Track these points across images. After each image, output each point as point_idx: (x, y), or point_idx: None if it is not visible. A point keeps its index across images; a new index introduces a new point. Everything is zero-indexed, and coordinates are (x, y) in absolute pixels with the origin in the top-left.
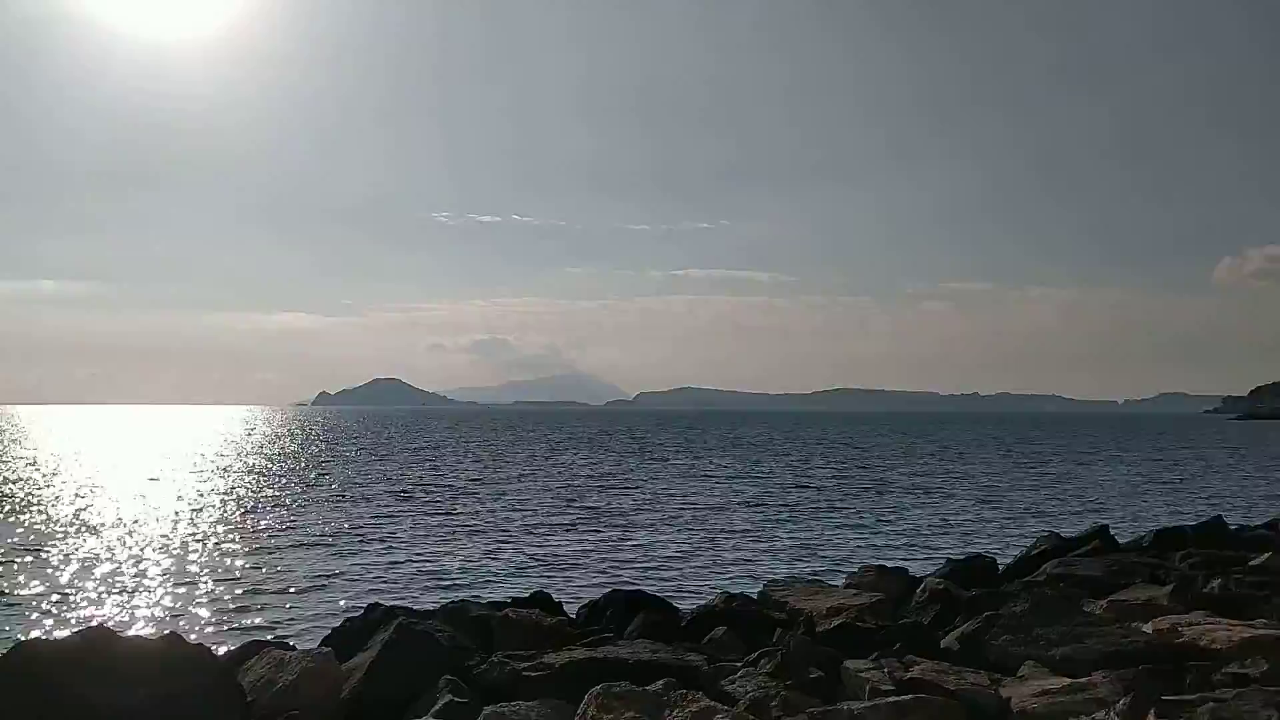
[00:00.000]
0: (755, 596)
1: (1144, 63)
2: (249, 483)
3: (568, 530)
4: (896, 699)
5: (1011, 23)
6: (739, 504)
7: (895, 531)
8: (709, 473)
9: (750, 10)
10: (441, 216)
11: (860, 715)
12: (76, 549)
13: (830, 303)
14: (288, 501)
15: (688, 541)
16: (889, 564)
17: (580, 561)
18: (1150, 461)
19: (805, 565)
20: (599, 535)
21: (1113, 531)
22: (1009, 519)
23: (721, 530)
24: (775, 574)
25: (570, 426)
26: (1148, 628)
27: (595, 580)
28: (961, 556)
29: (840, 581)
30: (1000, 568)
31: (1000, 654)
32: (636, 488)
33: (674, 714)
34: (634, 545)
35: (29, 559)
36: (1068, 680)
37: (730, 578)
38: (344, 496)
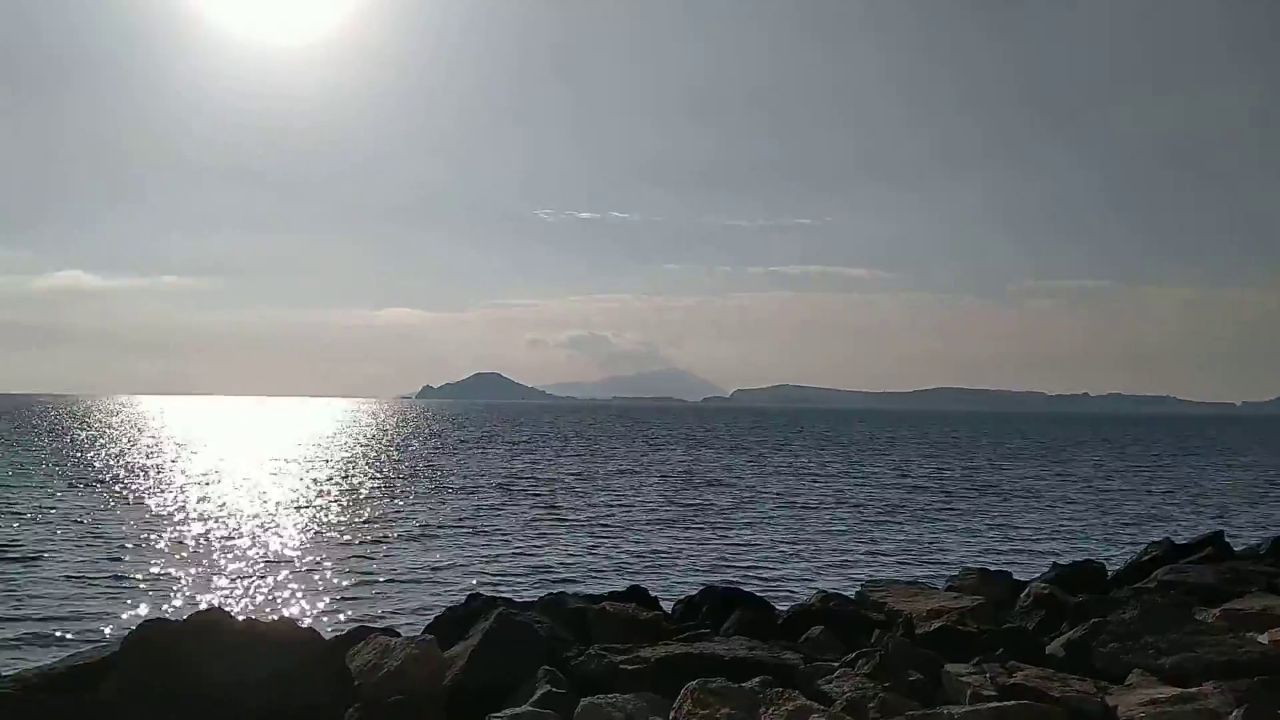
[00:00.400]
0: (853, 597)
1: (1276, 49)
2: (357, 474)
3: (666, 526)
4: (998, 704)
5: (1130, 9)
6: (839, 504)
7: (1000, 535)
8: (808, 471)
9: (854, 3)
10: (543, 214)
11: (960, 719)
12: (196, 534)
13: (933, 300)
14: (394, 493)
15: (786, 540)
16: (992, 567)
17: (678, 557)
18: (1269, 466)
19: (905, 567)
20: (697, 532)
21: (1228, 538)
22: (1120, 524)
23: (820, 529)
24: (874, 575)
25: (668, 422)
26: (1263, 638)
27: (692, 576)
28: (1069, 561)
29: (941, 584)
30: (1110, 574)
31: (1107, 662)
32: (735, 485)
33: (769, 712)
34: (732, 542)
35: (153, 543)
36: (1177, 690)
37: (828, 577)
38: (447, 489)
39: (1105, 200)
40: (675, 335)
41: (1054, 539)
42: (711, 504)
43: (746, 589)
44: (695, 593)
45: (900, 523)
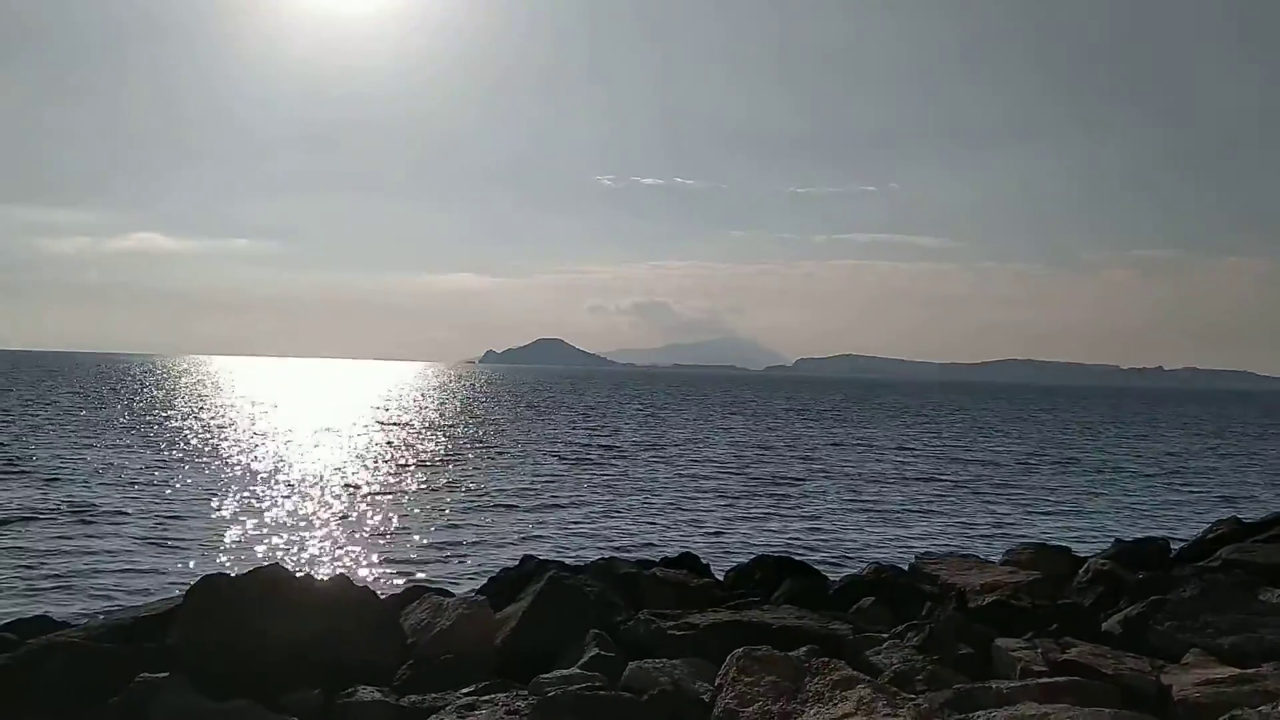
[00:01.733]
0: (906, 569)
1: None
2: (421, 437)
3: (724, 495)
4: (1049, 680)
5: None
6: (900, 476)
7: (1064, 510)
8: (872, 443)
9: None
10: (606, 180)
11: (1009, 694)
12: (260, 493)
13: (1002, 270)
14: (455, 458)
15: (843, 511)
16: (1051, 542)
17: (733, 526)
18: None
19: (962, 540)
20: (755, 501)
21: None
22: (1187, 501)
23: (879, 501)
24: (930, 548)
25: (730, 391)
26: None
27: (746, 545)
28: (1132, 538)
29: (997, 558)
30: (1174, 551)
31: (1164, 640)
32: (796, 455)
33: (815, 681)
34: (789, 513)
35: (218, 501)
36: (1235, 670)
37: (882, 549)
38: (508, 454)
39: (1183, 168)
40: (738, 303)
41: (1119, 515)
42: (771, 474)
43: (799, 559)
44: (747, 561)
45: (962, 496)
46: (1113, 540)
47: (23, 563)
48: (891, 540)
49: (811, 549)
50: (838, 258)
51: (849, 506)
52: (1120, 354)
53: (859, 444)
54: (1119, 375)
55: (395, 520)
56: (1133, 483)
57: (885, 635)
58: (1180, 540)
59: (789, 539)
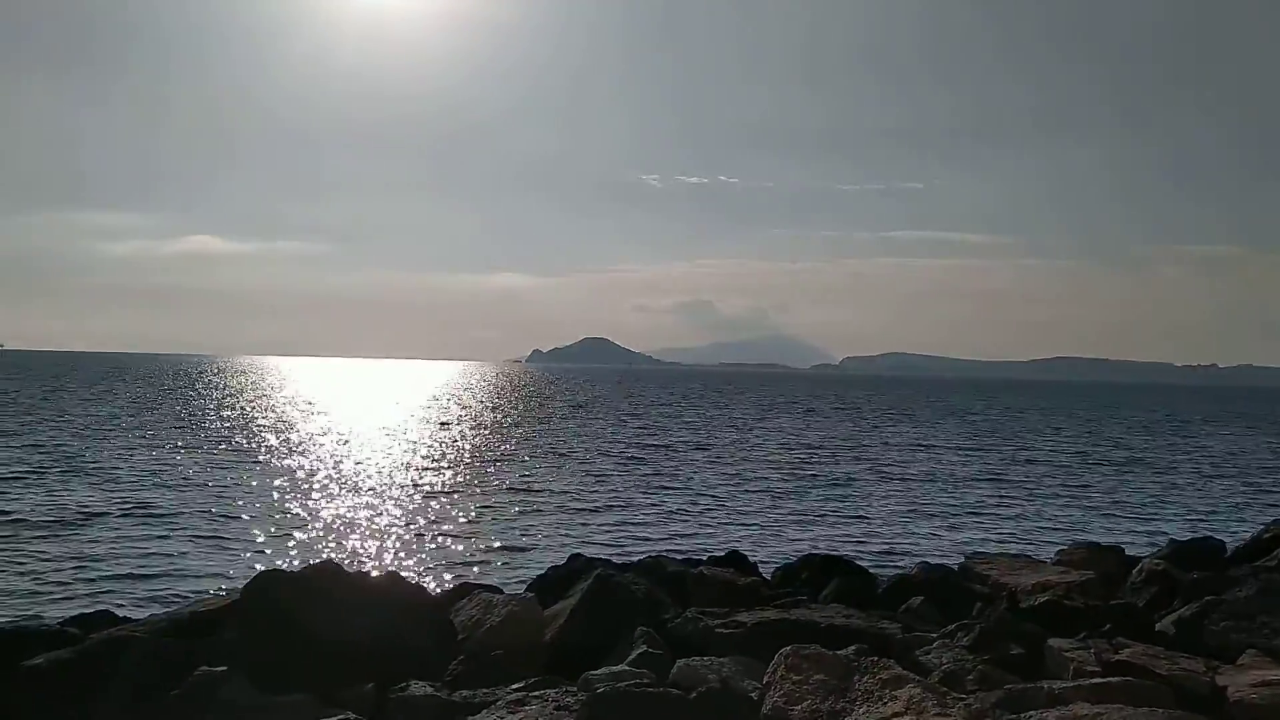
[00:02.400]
0: (956, 568)
1: None
2: (470, 437)
3: (772, 494)
4: (1101, 680)
5: None
6: (949, 475)
7: (1117, 509)
8: (920, 442)
9: None
10: (650, 179)
11: (1060, 694)
12: (314, 492)
13: (1051, 266)
14: (505, 458)
15: (891, 509)
16: (1104, 542)
17: (781, 525)
18: None
19: (1013, 540)
20: (803, 500)
21: None
22: (1244, 500)
23: (927, 500)
24: (981, 547)
25: (776, 390)
26: None
27: (794, 544)
28: (1187, 538)
29: (1049, 558)
30: (1229, 551)
31: (1220, 640)
32: (844, 454)
33: (863, 680)
34: (835, 511)
35: (274, 500)
36: None
37: (932, 548)
38: (556, 453)
39: (1235, 160)
40: (783, 301)
41: (1173, 515)
42: (820, 473)
43: (847, 557)
44: (794, 559)
45: (1013, 495)
46: (1167, 539)
47: (85, 561)
48: (942, 539)
49: (860, 548)
50: (882, 255)
51: (898, 505)
52: (1174, 351)
53: (908, 443)
54: (1173, 372)
55: (445, 519)
56: (1187, 481)
57: (935, 635)
58: (1236, 540)
59: (837, 537)
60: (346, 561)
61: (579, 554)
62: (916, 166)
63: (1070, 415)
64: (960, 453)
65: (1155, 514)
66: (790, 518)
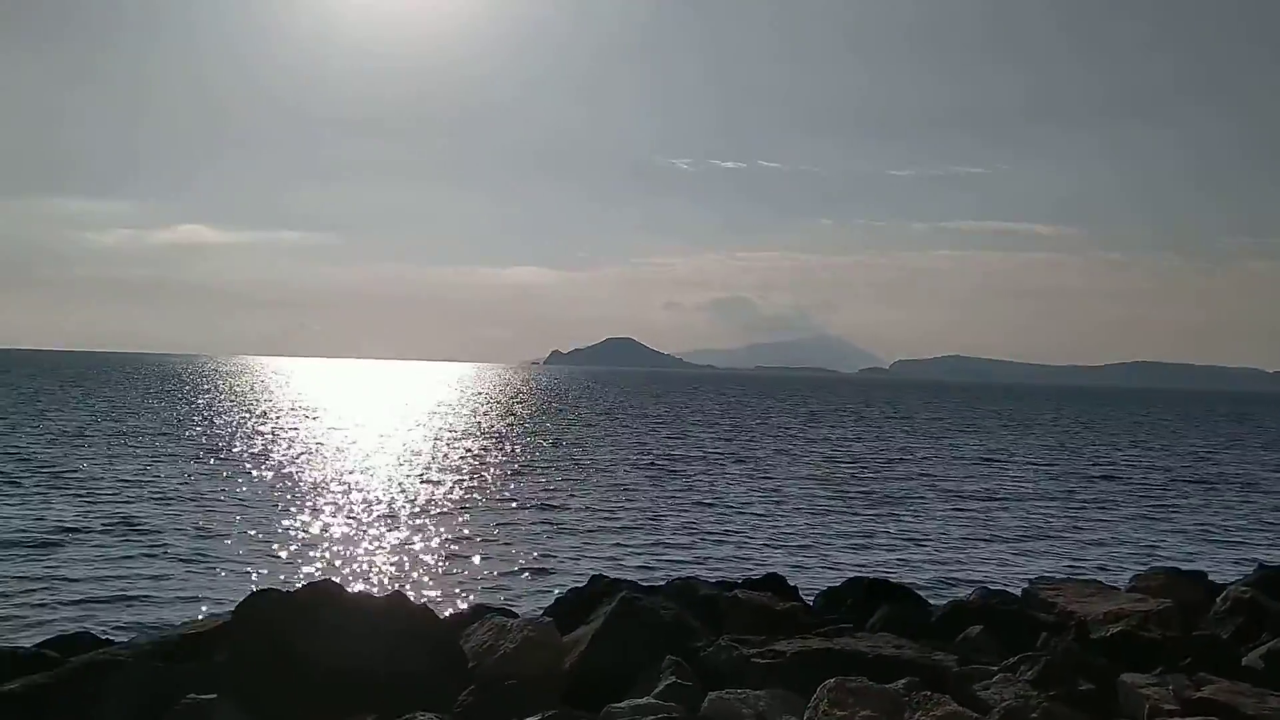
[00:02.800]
0: (1019, 595)
1: None
2: (483, 446)
3: (815, 512)
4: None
5: None
6: (1012, 492)
7: (1200, 531)
8: (982, 456)
9: None
10: (681, 164)
11: None
12: (310, 505)
13: (1128, 260)
14: (522, 467)
15: (946, 529)
16: (1185, 567)
17: (826, 546)
18: None
19: (1083, 565)
20: (850, 519)
21: None
22: None
23: (987, 519)
24: (1046, 572)
25: (821, 396)
26: None
27: (837, 565)
28: (1276, 563)
29: (1123, 584)
30: None
31: None
32: (894, 467)
33: (915, 717)
34: (885, 530)
35: (267, 513)
36: None
37: (993, 573)
38: (578, 463)
39: None
40: (828, 299)
41: (1263, 538)
42: (868, 489)
43: (898, 582)
44: (839, 583)
45: (1082, 515)
46: (1255, 565)
47: (63, 580)
48: (1004, 564)
49: (912, 572)
50: (939, 247)
51: (954, 525)
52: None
53: (968, 457)
54: (1264, 379)
55: (456, 536)
56: (1275, 501)
57: (995, 668)
58: None
59: (887, 560)
60: (346, 581)
61: (601, 575)
62: (978, 150)
63: (1149, 426)
64: (1026, 468)
65: (1243, 538)
66: (835, 538)
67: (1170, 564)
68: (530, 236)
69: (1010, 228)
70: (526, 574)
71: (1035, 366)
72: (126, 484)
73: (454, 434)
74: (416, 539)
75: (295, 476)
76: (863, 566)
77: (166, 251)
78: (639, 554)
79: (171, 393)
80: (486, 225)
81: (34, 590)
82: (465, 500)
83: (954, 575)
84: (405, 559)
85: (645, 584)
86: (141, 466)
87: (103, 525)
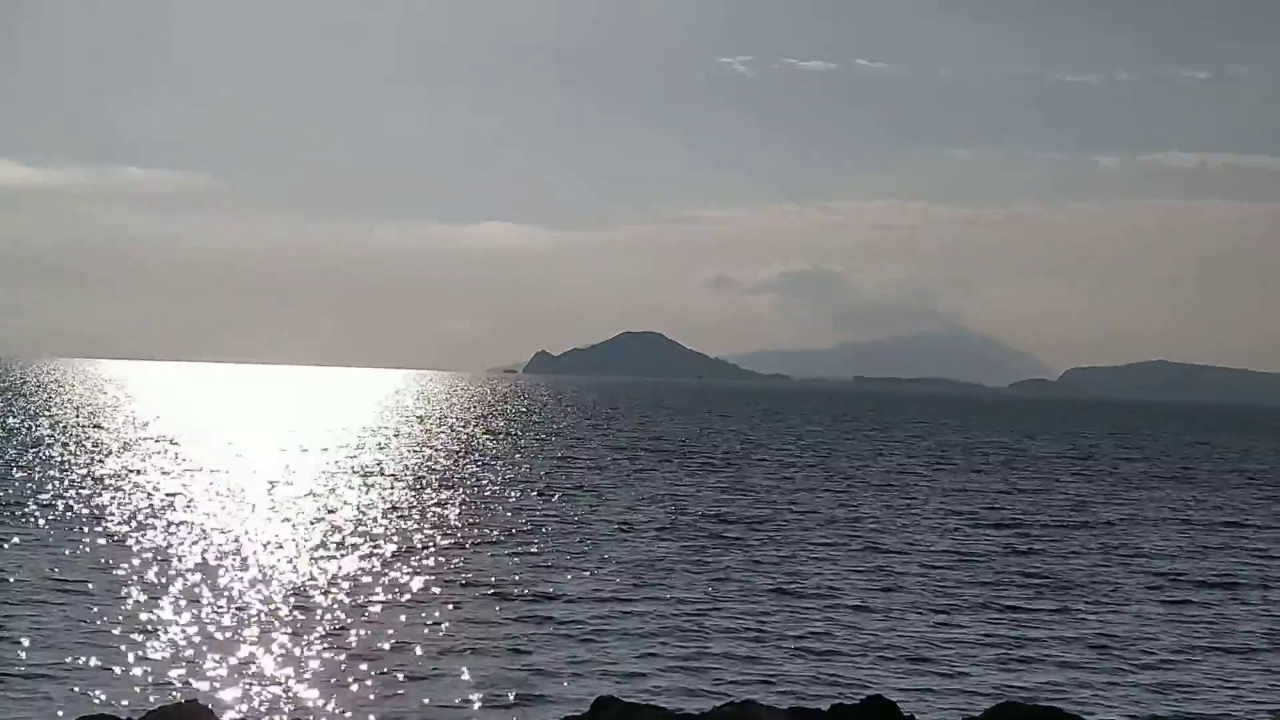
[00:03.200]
0: None
1: None
2: (433, 496)
3: (941, 605)
4: None
5: None
6: (1256, 579)
7: None
8: (1207, 519)
9: None
10: (737, 64)
11: None
12: (175, 587)
13: None
14: (488, 528)
15: (1156, 636)
16: None
17: (954, 654)
18: None
19: None
20: (994, 616)
21: None
22: None
23: (1220, 618)
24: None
25: (954, 423)
26: None
27: (975, 685)
28: None
29: None
30: None
31: None
32: (1071, 534)
33: None
34: (1056, 637)
35: (110, 599)
36: None
37: (1225, 702)
38: (579, 525)
39: None
40: (962, 273)
41: None
42: (1028, 570)
43: (1072, 712)
44: (978, 714)
45: None
46: None
47: None
48: (1239, 686)
49: (1096, 698)
50: (1139, 195)
51: (1164, 628)
52: None
53: (1183, 520)
54: None
55: (388, 633)
56: None
57: None
58: None
59: (1055, 680)
60: (220, 699)
61: (611, 698)
62: (1199, 41)
63: None
64: (1269, 533)
65: None
66: (974, 645)
67: None
68: (508, 178)
69: (1254, 163)
70: (498, 697)
71: (1272, 375)
72: None
73: (388, 478)
74: (328, 641)
75: (144, 544)
76: (1010, 686)
77: None
78: (670, 665)
79: None
80: (441, 158)
81: None
82: (404, 574)
83: (1163, 706)
84: (308, 671)
85: (679, 712)
86: None
87: None
